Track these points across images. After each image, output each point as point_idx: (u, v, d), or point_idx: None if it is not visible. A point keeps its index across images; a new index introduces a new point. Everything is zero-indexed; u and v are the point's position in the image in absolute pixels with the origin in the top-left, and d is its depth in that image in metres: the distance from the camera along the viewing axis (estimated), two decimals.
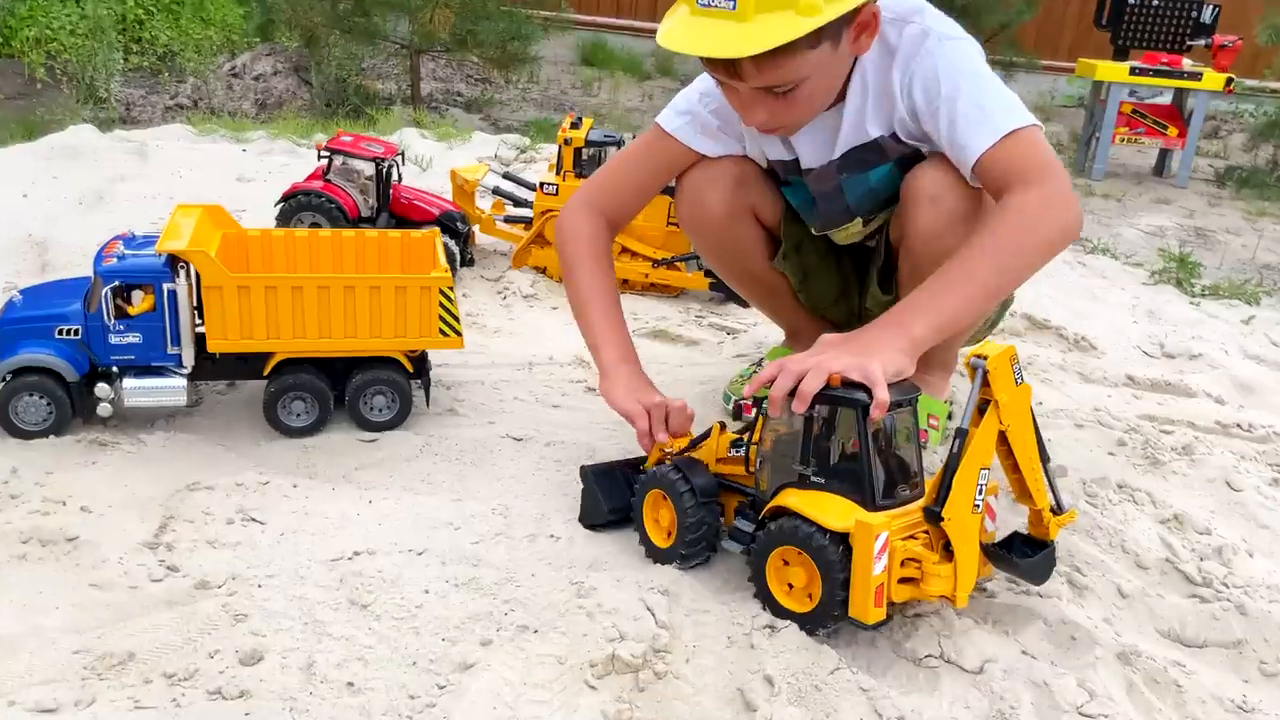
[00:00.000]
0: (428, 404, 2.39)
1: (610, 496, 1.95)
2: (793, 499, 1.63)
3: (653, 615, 1.62)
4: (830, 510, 1.59)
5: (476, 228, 3.44)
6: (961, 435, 1.58)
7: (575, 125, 3.36)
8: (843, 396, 1.59)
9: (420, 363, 2.36)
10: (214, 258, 2.13)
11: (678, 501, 1.78)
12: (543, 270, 3.36)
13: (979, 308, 1.80)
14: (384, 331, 2.27)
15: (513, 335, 2.92)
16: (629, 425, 2.02)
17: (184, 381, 2.21)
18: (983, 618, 1.70)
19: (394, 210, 3.26)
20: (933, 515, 1.57)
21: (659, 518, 1.85)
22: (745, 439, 1.77)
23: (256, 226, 2.49)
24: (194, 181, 4.10)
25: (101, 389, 2.17)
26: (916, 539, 1.59)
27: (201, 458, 2.14)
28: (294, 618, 1.60)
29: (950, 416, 2.37)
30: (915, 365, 1.69)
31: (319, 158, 3.21)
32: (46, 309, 2.19)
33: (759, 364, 2.54)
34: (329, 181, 3.18)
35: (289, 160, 4.54)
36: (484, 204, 3.60)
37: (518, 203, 3.53)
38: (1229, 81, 6.56)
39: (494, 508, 1.97)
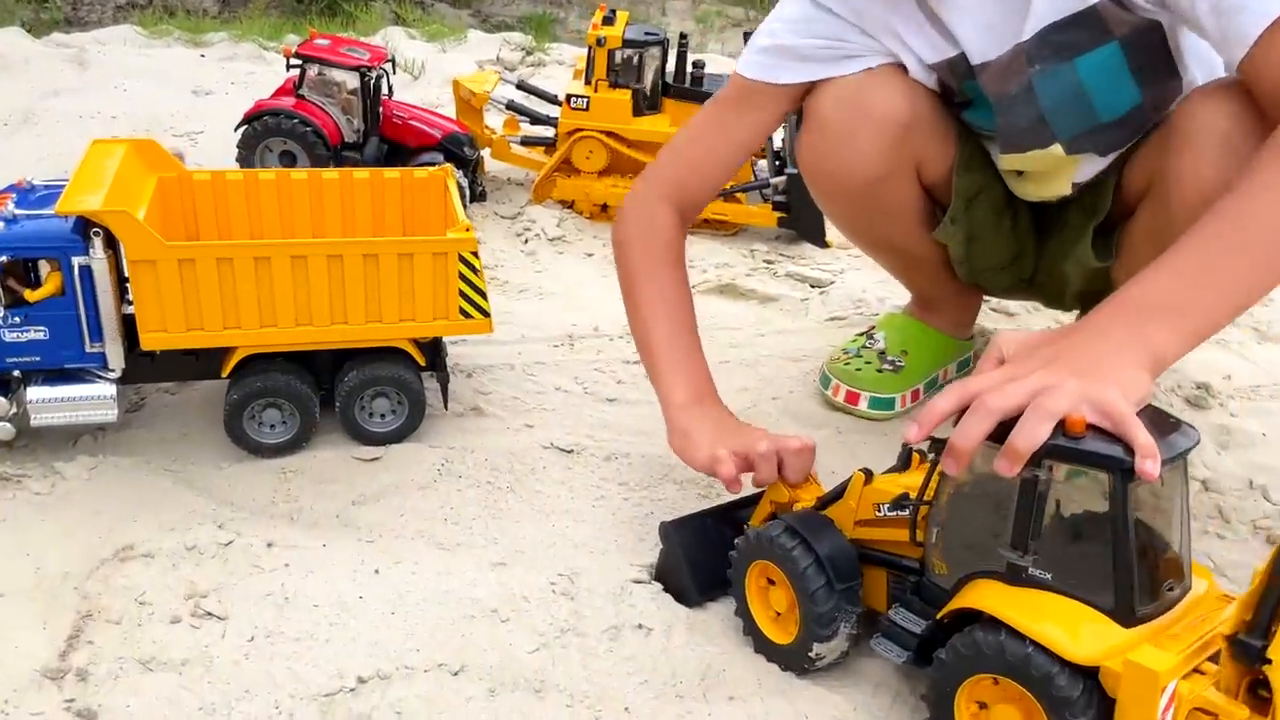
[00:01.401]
0: (445, 405, 1.79)
1: (700, 568, 1.38)
2: (998, 601, 1.05)
3: None
4: (1067, 627, 1.01)
5: (487, 152, 2.79)
6: None
7: (609, 21, 2.69)
8: (1089, 453, 1.00)
9: (434, 350, 1.76)
10: (140, 220, 1.51)
11: (800, 583, 1.21)
12: (569, 204, 2.73)
13: (1256, 295, 1.16)
14: (385, 314, 1.66)
15: (543, 296, 2.30)
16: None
17: (112, 388, 1.60)
18: None
19: (385, 133, 2.61)
20: (1249, 653, 0.96)
21: (769, 599, 1.28)
22: (913, 498, 1.18)
23: (205, 167, 1.86)
24: (141, 96, 3.42)
25: None
26: (1203, 673, 1.00)
27: (140, 498, 1.55)
28: None
29: None
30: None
31: (289, 67, 2.55)
32: None
33: (869, 335, 1.94)
34: (302, 98, 2.53)
35: (255, 68, 3.85)
36: (492, 121, 2.93)
37: (535, 119, 2.87)
38: None
39: (552, 580, 1.38)
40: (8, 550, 1.41)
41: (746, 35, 2.82)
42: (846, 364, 1.90)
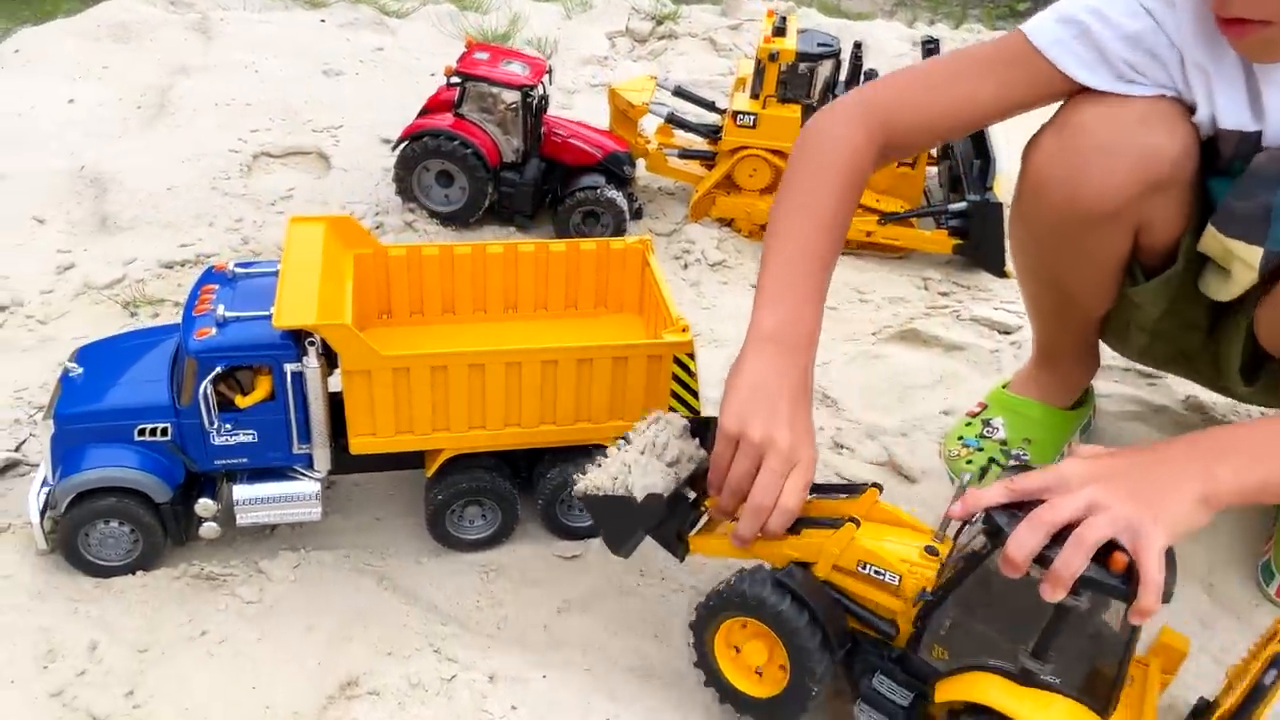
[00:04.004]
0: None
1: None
2: (1012, 700, 1.13)
3: None
4: None
5: (642, 163, 2.67)
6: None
7: (779, 31, 2.53)
8: (1110, 585, 1.05)
9: None
10: (357, 333, 1.44)
11: (795, 643, 1.24)
12: (728, 222, 2.61)
13: None
14: (594, 414, 1.58)
15: (717, 344, 2.20)
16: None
17: (316, 486, 1.56)
18: None
19: (544, 151, 2.49)
20: None
21: (745, 653, 1.31)
22: (931, 591, 1.21)
23: (350, 172, 1.78)
24: (271, 78, 3.32)
25: (204, 505, 1.53)
26: None
27: (350, 609, 1.51)
28: None
29: None
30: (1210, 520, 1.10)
31: (448, 84, 2.44)
32: (119, 396, 1.52)
33: (986, 423, 1.83)
34: (461, 117, 2.42)
35: (380, 39, 3.72)
36: (644, 124, 2.78)
37: (686, 126, 2.71)
38: None
39: None
40: (235, 682, 1.37)
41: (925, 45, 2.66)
42: (970, 461, 1.81)
